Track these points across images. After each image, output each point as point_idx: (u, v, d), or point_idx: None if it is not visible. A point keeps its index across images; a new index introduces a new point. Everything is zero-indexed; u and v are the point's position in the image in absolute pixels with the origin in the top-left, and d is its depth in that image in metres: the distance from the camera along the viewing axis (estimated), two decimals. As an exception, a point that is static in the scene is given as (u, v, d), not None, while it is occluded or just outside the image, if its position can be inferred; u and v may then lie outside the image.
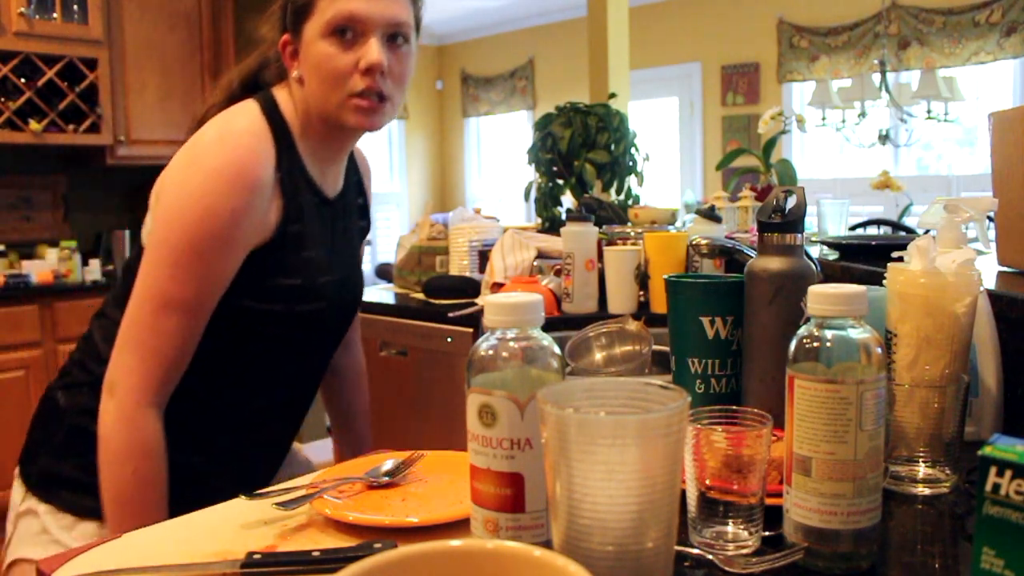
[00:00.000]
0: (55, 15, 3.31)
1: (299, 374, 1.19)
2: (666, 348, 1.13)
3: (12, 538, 1.11)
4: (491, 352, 0.63)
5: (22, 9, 3.19)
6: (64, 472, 1.09)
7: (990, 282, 1.09)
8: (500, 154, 7.94)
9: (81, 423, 1.06)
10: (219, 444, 1.12)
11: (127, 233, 3.79)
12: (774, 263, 0.85)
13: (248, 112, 1.04)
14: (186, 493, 0.97)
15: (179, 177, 1.01)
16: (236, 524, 0.78)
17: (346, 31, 1.03)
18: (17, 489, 1.13)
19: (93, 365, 1.09)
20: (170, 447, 1.02)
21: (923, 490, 0.78)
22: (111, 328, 1.05)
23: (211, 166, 0.98)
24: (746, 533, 0.66)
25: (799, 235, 0.86)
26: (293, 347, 1.13)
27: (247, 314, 1.05)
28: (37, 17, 3.26)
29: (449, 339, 1.84)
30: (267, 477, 1.21)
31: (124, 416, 0.99)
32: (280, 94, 1.09)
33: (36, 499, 1.10)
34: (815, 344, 0.64)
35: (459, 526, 0.74)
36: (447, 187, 8.38)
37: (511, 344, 0.63)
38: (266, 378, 1.13)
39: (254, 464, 1.19)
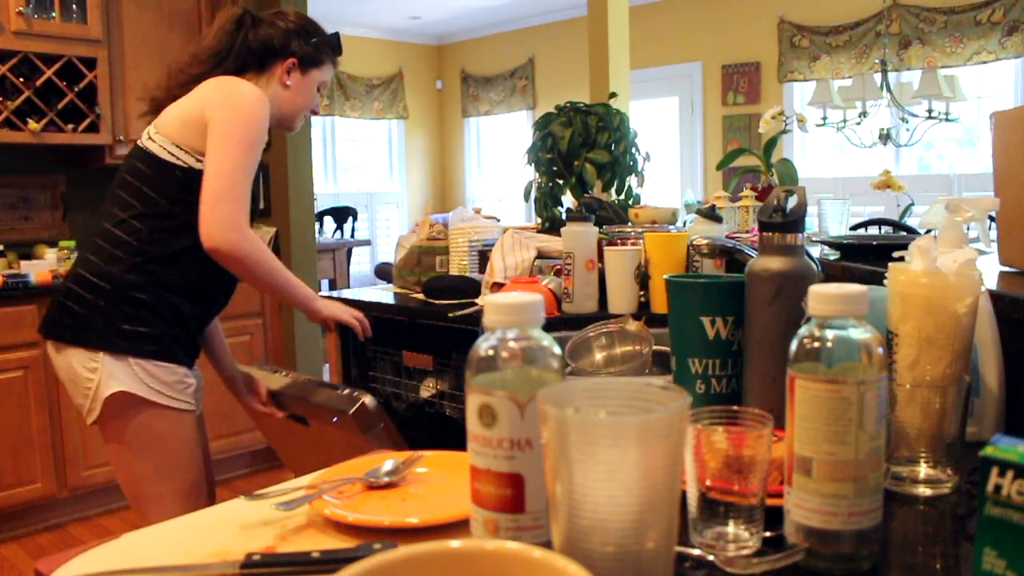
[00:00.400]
0: (54, 14, 3.31)
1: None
2: (666, 348, 1.13)
3: (99, 383, 1.51)
4: (491, 352, 0.62)
5: (20, 8, 3.19)
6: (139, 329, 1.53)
7: (991, 282, 1.08)
8: (500, 154, 7.94)
9: (139, 294, 1.53)
10: (197, 296, 1.61)
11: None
12: (775, 263, 0.85)
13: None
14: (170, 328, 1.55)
15: (234, 99, 1.53)
16: (235, 525, 0.78)
17: (320, 87, 1.75)
18: (82, 358, 1.52)
19: (134, 256, 1.53)
20: (172, 292, 1.55)
21: (924, 491, 0.78)
22: (143, 225, 1.53)
23: (255, 96, 1.55)
24: (747, 534, 0.66)
25: (800, 235, 0.85)
26: None
27: None
28: (36, 16, 3.25)
29: (335, 419, 1.71)
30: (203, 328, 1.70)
31: (249, 239, 1.50)
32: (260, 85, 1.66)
33: (97, 352, 1.50)
34: (816, 344, 0.64)
35: (459, 526, 0.73)
36: (447, 187, 8.38)
37: (511, 344, 0.62)
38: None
39: (205, 315, 1.68)
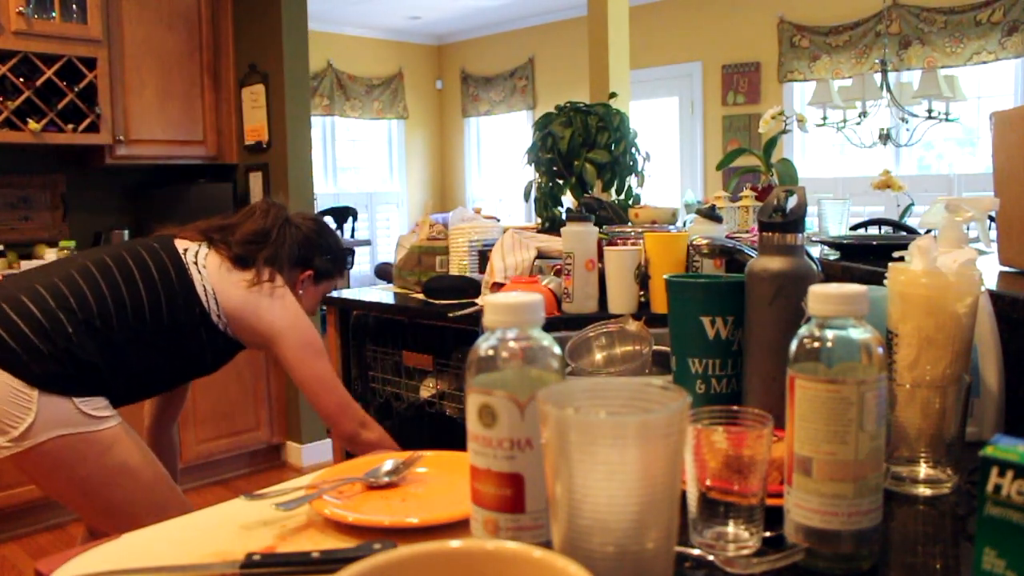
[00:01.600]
0: (54, 14, 3.31)
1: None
2: (666, 348, 1.13)
3: (33, 424, 1.44)
4: (491, 352, 0.62)
5: (21, 8, 3.19)
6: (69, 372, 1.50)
7: (991, 282, 1.08)
8: (500, 154, 7.94)
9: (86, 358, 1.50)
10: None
11: (126, 233, 3.78)
12: (775, 263, 0.85)
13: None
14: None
15: (298, 324, 1.68)
16: (235, 525, 0.78)
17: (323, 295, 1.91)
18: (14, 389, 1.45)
19: (93, 332, 1.51)
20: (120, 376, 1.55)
21: (924, 491, 0.78)
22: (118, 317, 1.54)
23: (308, 320, 1.72)
24: (747, 534, 0.66)
25: (800, 235, 0.85)
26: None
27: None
28: (36, 16, 3.25)
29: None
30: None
31: (381, 432, 1.70)
32: None
33: (32, 388, 1.44)
34: (816, 344, 0.64)
35: (459, 526, 0.73)
36: (447, 187, 8.38)
37: (511, 344, 0.62)
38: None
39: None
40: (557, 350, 0.63)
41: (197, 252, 1.66)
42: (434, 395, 2.11)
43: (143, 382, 1.64)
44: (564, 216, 2.27)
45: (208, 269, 1.64)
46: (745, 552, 0.65)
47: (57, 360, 1.46)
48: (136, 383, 1.62)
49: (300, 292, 1.80)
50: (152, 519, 1.50)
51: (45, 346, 1.46)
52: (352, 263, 1.92)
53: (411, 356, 2.14)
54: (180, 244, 1.67)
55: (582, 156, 2.33)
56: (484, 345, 0.63)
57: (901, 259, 0.87)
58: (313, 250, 1.81)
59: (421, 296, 2.16)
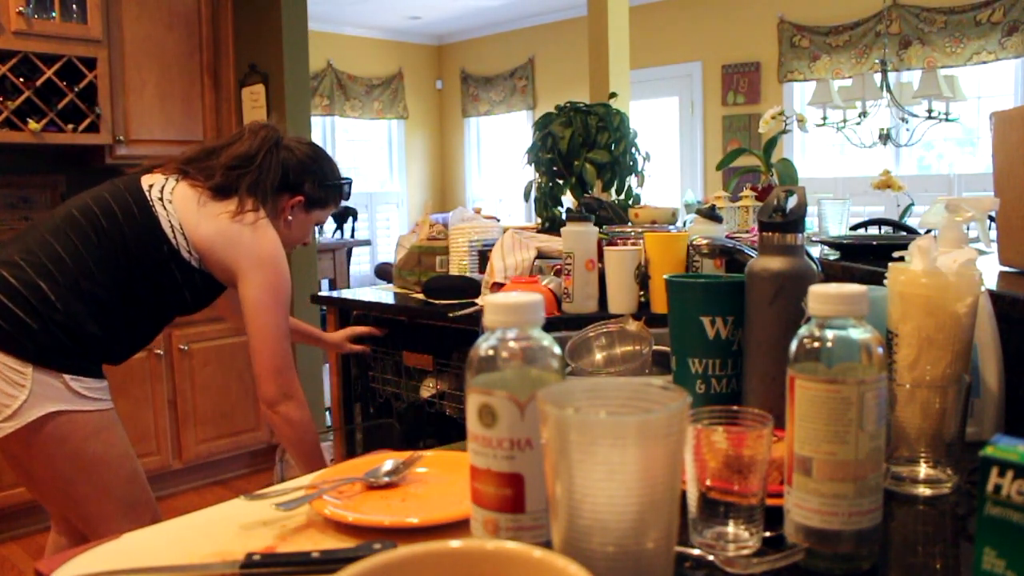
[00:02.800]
0: (54, 14, 3.30)
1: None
2: (666, 348, 1.13)
3: (26, 401, 1.43)
4: (491, 352, 0.62)
5: (21, 8, 3.19)
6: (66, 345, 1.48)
7: (991, 282, 1.08)
8: (500, 154, 7.94)
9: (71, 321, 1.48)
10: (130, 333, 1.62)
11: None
12: (775, 263, 0.85)
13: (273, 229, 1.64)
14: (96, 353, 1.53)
15: (275, 263, 1.59)
16: (235, 525, 0.78)
17: (317, 224, 1.82)
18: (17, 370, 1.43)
19: (79, 293, 1.49)
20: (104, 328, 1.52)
21: (924, 491, 0.78)
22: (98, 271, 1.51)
23: (283, 257, 1.62)
24: (747, 534, 0.65)
25: (800, 235, 0.85)
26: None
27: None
28: (36, 16, 3.25)
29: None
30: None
31: (303, 407, 1.60)
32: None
33: (27, 364, 1.43)
34: (816, 344, 0.64)
35: (459, 526, 0.73)
36: (447, 187, 8.38)
37: (511, 344, 0.62)
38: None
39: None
40: (557, 350, 0.63)
41: (163, 187, 1.58)
42: (434, 395, 2.11)
43: (134, 333, 1.61)
44: (564, 216, 2.27)
45: (176, 204, 1.56)
46: (745, 552, 0.65)
47: (47, 333, 1.44)
48: (128, 335, 1.60)
49: (289, 219, 1.71)
50: (119, 515, 1.51)
51: (34, 321, 1.43)
52: (349, 193, 1.80)
53: (411, 356, 2.14)
54: (146, 181, 1.60)
55: (582, 156, 2.33)
56: (484, 345, 0.63)
57: (901, 259, 0.87)
58: (304, 175, 1.70)
59: (421, 296, 2.16)
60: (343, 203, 1.82)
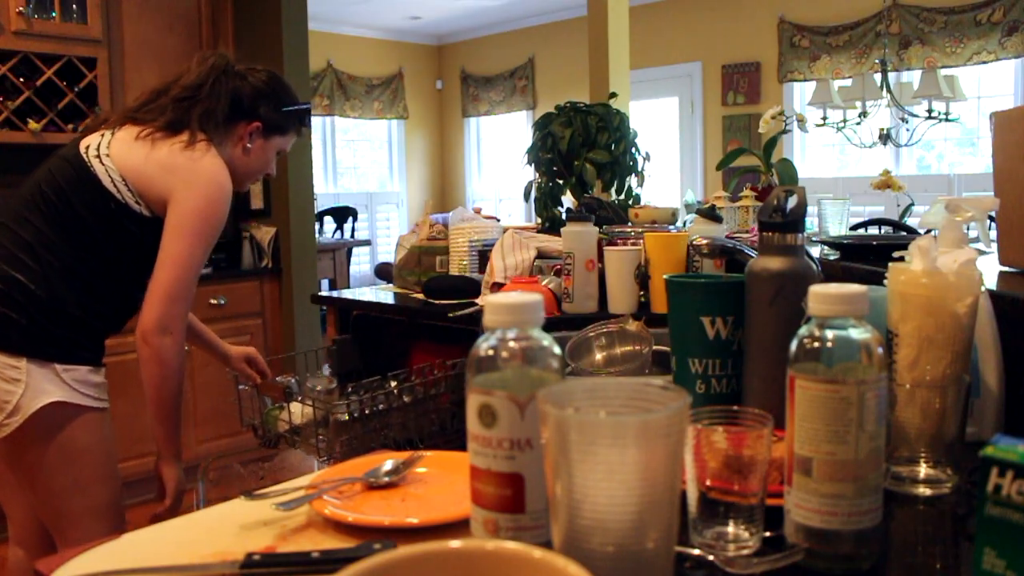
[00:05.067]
0: (54, 14, 3.30)
1: None
2: (666, 348, 1.13)
3: (23, 394, 1.42)
4: (491, 352, 0.62)
5: (21, 8, 3.19)
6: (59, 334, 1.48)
7: (991, 282, 1.08)
8: (500, 154, 7.94)
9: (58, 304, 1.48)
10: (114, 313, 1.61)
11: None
12: (775, 263, 0.85)
13: (217, 156, 1.58)
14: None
15: (205, 189, 1.52)
16: (235, 525, 0.78)
17: (279, 153, 1.73)
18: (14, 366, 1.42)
19: (50, 269, 1.48)
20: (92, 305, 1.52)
21: (924, 491, 0.78)
22: (62, 242, 1.49)
23: (222, 189, 1.55)
24: (747, 534, 0.65)
25: (800, 235, 0.85)
26: None
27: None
28: (36, 16, 3.25)
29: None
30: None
31: (180, 348, 1.50)
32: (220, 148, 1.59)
33: (19, 358, 1.42)
34: (816, 344, 0.64)
35: (459, 526, 0.73)
36: (447, 187, 8.38)
37: (511, 344, 0.62)
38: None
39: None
40: (557, 350, 0.63)
41: (100, 144, 1.54)
42: (288, 431, 2.03)
43: (118, 300, 1.58)
44: (564, 216, 2.27)
45: (114, 156, 1.51)
46: (745, 552, 0.65)
47: (34, 323, 1.43)
48: (111, 305, 1.57)
49: (248, 146, 1.64)
50: (89, 515, 1.49)
51: (18, 314, 1.43)
52: (310, 122, 1.75)
53: (266, 386, 2.02)
54: (84, 143, 1.56)
55: (582, 156, 2.33)
56: (484, 345, 0.63)
57: (901, 259, 0.87)
58: (260, 100, 1.63)
59: (421, 296, 2.16)
60: (305, 131, 1.77)
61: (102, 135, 1.57)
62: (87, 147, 1.54)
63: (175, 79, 1.62)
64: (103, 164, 1.51)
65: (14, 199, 1.55)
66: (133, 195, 1.51)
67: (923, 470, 0.79)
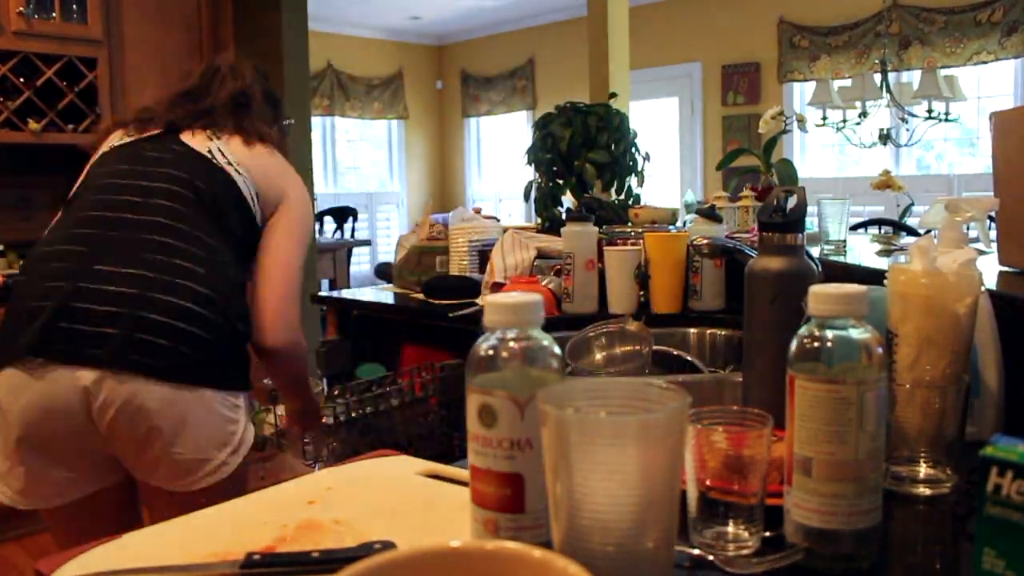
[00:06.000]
0: (54, 15, 3.30)
1: None
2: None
3: (245, 432, 1.36)
4: (491, 352, 0.62)
5: (21, 8, 3.19)
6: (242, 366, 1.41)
7: (991, 282, 1.08)
8: (500, 154, 7.94)
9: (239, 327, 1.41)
10: None
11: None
12: (775, 263, 0.85)
13: None
14: None
15: (306, 198, 1.54)
16: (234, 524, 0.78)
17: None
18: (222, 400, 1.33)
19: (236, 304, 1.41)
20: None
21: (924, 491, 0.78)
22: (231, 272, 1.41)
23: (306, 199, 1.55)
24: (746, 533, 0.66)
25: (800, 235, 0.85)
26: None
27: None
28: (36, 17, 3.25)
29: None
30: None
31: (304, 341, 1.48)
32: None
33: (238, 394, 1.36)
34: (816, 344, 0.64)
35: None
36: (447, 187, 8.39)
37: (511, 344, 0.62)
38: None
39: None
40: (557, 350, 0.63)
41: (219, 148, 1.46)
42: (274, 433, 2.04)
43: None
44: (564, 216, 2.27)
45: (242, 164, 1.45)
46: (745, 552, 0.65)
47: (223, 349, 1.34)
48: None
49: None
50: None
51: (217, 345, 1.33)
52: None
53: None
54: (200, 145, 1.46)
55: (582, 156, 2.34)
56: (484, 345, 0.63)
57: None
58: (278, 99, 1.68)
59: (421, 296, 2.16)
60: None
61: (210, 139, 1.47)
62: (209, 151, 1.45)
63: (200, 85, 1.58)
64: (241, 176, 1.44)
65: (130, 215, 1.39)
66: (258, 205, 1.47)
67: (923, 470, 0.79)
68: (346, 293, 2.44)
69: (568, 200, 2.42)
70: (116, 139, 1.57)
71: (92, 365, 1.23)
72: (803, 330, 0.65)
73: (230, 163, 1.44)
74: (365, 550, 0.67)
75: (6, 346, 1.28)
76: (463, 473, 0.81)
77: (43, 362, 1.24)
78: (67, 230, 1.41)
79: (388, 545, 0.68)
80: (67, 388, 1.23)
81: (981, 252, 1.12)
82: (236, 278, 1.42)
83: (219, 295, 1.34)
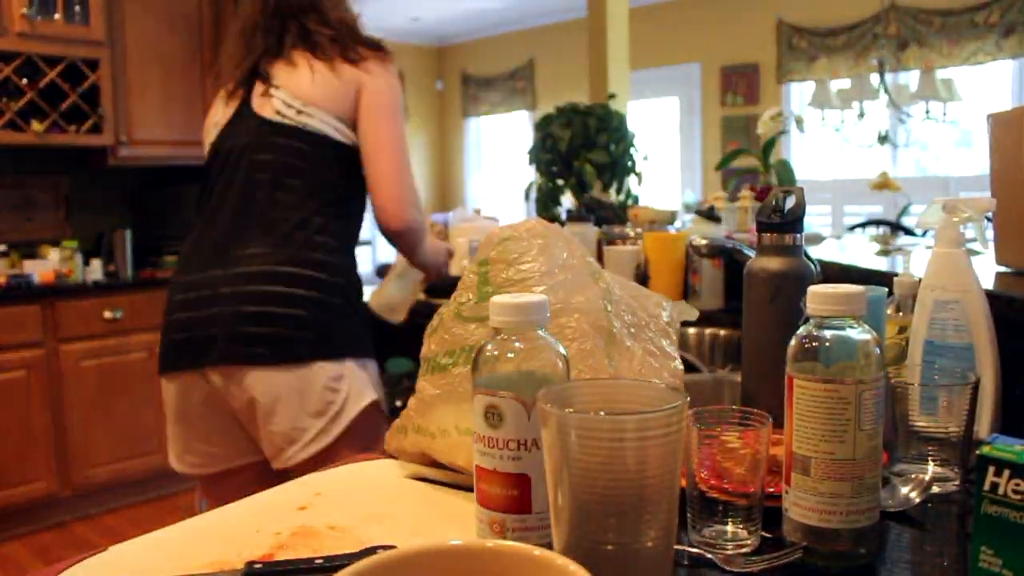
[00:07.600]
0: (57, 16, 3.31)
1: None
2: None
3: (348, 398, 1.38)
4: (496, 353, 0.63)
5: (24, 10, 3.19)
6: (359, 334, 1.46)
7: (988, 282, 1.09)
8: (500, 154, 7.94)
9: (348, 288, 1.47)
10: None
11: (128, 233, 3.78)
12: (773, 263, 0.85)
13: None
14: None
15: (392, 72, 1.53)
16: (230, 532, 0.76)
17: None
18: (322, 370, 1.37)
19: (332, 269, 1.44)
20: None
21: (933, 488, 0.78)
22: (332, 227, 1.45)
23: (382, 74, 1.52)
24: (745, 532, 0.66)
25: (798, 235, 0.86)
26: None
27: None
28: (39, 18, 3.26)
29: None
30: None
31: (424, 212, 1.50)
32: None
33: (343, 361, 1.38)
34: (814, 344, 0.64)
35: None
36: (447, 187, 8.38)
37: (515, 345, 0.63)
38: None
39: None
40: (562, 350, 0.64)
41: (277, 103, 1.43)
42: None
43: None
44: (564, 216, 2.28)
45: (308, 101, 1.42)
46: (744, 551, 0.66)
47: (347, 319, 1.38)
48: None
49: None
50: None
51: (332, 309, 1.37)
52: None
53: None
54: (262, 109, 1.45)
55: (582, 156, 2.34)
56: (489, 346, 0.63)
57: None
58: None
59: (421, 296, 2.16)
60: None
61: (270, 94, 1.45)
62: (278, 112, 1.43)
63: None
64: (312, 116, 1.42)
65: (241, 196, 1.44)
66: (346, 125, 1.44)
67: (930, 468, 0.80)
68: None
69: (568, 200, 2.43)
70: (212, 115, 1.57)
71: (205, 366, 1.40)
72: (801, 330, 0.65)
73: (300, 111, 1.43)
74: (367, 553, 0.67)
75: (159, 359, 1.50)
76: (451, 475, 0.81)
77: (172, 373, 1.46)
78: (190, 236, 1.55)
79: (388, 545, 0.69)
80: (191, 387, 1.44)
81: (977, 252, 1.13)
82: (331, 242, 1.42)
83: (311, 268, 1.38)
